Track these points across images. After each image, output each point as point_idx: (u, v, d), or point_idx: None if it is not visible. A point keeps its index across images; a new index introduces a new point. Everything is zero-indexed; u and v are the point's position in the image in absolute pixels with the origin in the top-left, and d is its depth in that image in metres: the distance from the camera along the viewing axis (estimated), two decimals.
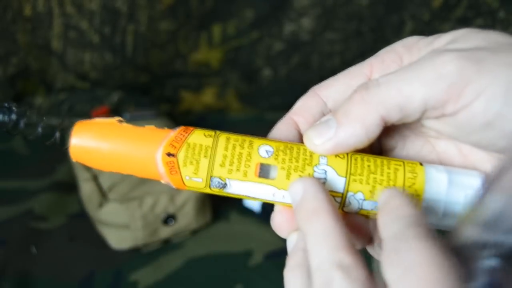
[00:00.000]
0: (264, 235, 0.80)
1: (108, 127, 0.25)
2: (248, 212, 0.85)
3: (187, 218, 0.80)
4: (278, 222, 0.26)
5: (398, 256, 0.19)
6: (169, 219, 0.79)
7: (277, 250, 0.78)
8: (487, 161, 0.25)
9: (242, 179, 0.25)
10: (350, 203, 0.25)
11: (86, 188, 0.79)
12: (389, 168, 0.25)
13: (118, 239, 0.78)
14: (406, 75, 0.23)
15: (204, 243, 0.81)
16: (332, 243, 0.21)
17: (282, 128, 0.27)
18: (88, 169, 0.81)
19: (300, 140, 0.27)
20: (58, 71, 1.00)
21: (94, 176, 0.80)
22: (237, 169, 0.25)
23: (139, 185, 0.79)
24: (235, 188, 0.25)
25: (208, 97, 1.09)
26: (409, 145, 0.28)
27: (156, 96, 1.06)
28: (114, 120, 0.25)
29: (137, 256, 0.79)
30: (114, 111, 0.91)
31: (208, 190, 0.26)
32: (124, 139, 0.25)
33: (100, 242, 0.78)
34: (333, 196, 0.25)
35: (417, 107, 0.23)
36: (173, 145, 0.25)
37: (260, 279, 0.76)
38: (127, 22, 0.97)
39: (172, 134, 0.25)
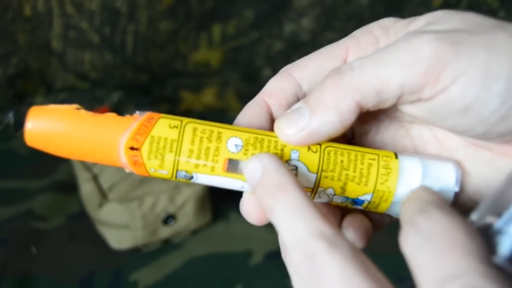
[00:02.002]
0: (264, 235, 0.80)
1: (66, 113, 0.23)
2: None
3: (187, 218, 0.80)
4: (247, 209, 0.25)
5: (416, 226, 0.18)
6: (169, 219, 0.79)
7: (277, 250, 0.78)
8: (463, 147, 0.25)
9: (209, 173, 0.24)
10: (319, 197, 0.24)
11: (86, 188, 0.79)
12: (362, 163, 0.24)
13: (118, 239, 0.78)
14: (382, 58, 0.22)
15: (204, 243, 0.81)
16: (307, 215, 0.19)
17: (253, 110, 0.25)
18: (88, 169, 0.81)
19: (272, 123, 0.25)
20: (58, 71, 1.00)
21: (94, 176, 0.80)
22: (204, 165, 0.23)
23: (139, 185, 0.79)
24: (201, 180, 0.24)
25: (208, 97, 1.09)
26: (383, 130, 0.27)
27: (156, 96, 1.06)
28: (71, 107, 0.24)
29: (137, 256, 0.79)
30: (114, 111, 0.91)
31: (173, 180, 0.24)
32: (84, 129, 0.23)
33: (100, 242, 0.78)
34: None
35: (393, 91, 0.22)
36: (136, 139, 0.23)
37: (260, 279, 0.76)
38: (127, 22, 0.97)
39: (134, 125, 0.23)
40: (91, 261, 0.77)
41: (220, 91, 1.08)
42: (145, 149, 0.23)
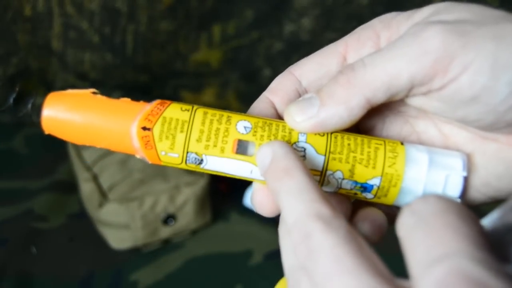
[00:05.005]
0: (264, 235, 0.80)
1: (82, 98, 0.24)
2: (248, 212, 0.85)
3: (187, 218, 0.80)
4: (259, 200, 0.25)
5: (412, 208, 0.18)
6: (169, 219, 0.79)
7: (277, 250, 0.78)
8: (469, 140, 0.25)
9: (219, 155, 0.24)
10: (329, 182, 0.25)
11: (86, 188, 0.79)
12: (369, 147, 0.24)
13: (118, 239, 0.78)
14: (391, 54, 0.22)
15: (204, 243, 0.81)
16: (308, 197, 0.20)
17: (259, 106, 0.26)
18: (88, 169, 0.81)
19: (277, 118, 0.26)
20: (58, 71, 1.00)
21: (94, 176, 0.80)
22: (214, 145, 0.24)
23: (139, 185, 0.79)
24: (211, 164, 0.24)
25: (208, 97, 1.09)
26: (388, 126, 0.27)
27: (156, 96, 1.05)
28: (88, 91, 0.24)
29: (137, 256, 0.79)
30: None
31: (184, 166, 0.25)
32: (98, 111, 0.24)
33: (100, 242, 0.79)
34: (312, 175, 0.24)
35: (404, 84, 0.22)
36: (148, 119, 0.24)
37: (260, 279, 0.76)
38: (127, 22, 0.97)
39: (148, 107, 0.24)
40: (91, 261, 0.77)
41: (220, 91, 1.08)
42: (157, 129, 0.24)
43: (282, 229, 0.22)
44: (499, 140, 0.24)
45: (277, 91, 0.26)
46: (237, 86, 1.08)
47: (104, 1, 0.93)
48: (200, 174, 0.81)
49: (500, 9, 0.23)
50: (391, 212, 0.27)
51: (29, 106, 0.25)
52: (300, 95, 0.26)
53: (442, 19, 0.22)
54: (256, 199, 0.25)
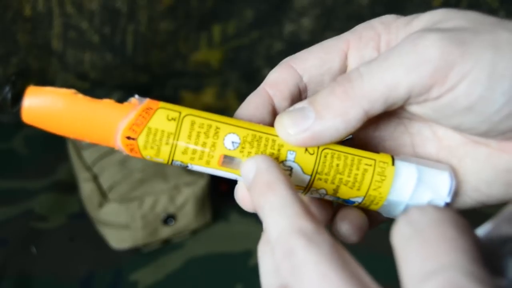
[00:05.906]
0: None
1: (64, 96, 0.23)
2: (248, 212, 0.84)
3: (187, 218, 0.80)
4: (242, 195, 0.25)
5: (409, 218, 0.17)
6: (169, 219, 0.79)
7: None
8: (462, 144, 0.25)
9: (205, 166, 0.24)
10: (311, 194, 0.25)
11: (86, 188, 0.79)
12: (358, 168, 0.24)
13: (118, 239, 0.78)
14: (389, 63, 0.22)
15: (204, 243, 0.81)
16: (290, 212, 0.20)
17: (256, 101, 0.25)
18: (88, 169, 0.81)
19: (273, 115, 0.25)
20: (58, 71, 1.00)
21: (94, 176, 0.80)
22: (200, 158, 0.24)
23: (139, 185, 0.79)
24: (196, 169, 0.24)
25: (208, 97, 1.09)
26: (381, 127, 0.27)
27: (156, 96, 1.06)
28: (69, 91, 0.24)
29: (137, 256, 0.79)
30: None
31: (169, 165, 0.25)
32: (82, 111, 0.23)
33: (100, 242, 0.78)
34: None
35: (401, 95, 0.22)
36: (133, 129, 0.23)
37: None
38: (127, 22, 0.97)
39: (132, 114, 0.23)
40: (91, 261, 0.77)
41: (220, 91, 1.08)
42: (141, 139, 0.23)
43: (261, 248, 0.22)
44: (490, 145, 0.24)
45: (278, 85, 0.25)
46: (237, 86, 1.08)
47: (104, 1, 0.93)
48: (200, 174, 0.81)
49: (500, 8, 0.23)
50: (374, 213, 0.27)
51: (7, 93, 0.24)
52: (300, 91, 0.26)
53: (440, 27, 0.22)
54: (238, 194, 0.25)
